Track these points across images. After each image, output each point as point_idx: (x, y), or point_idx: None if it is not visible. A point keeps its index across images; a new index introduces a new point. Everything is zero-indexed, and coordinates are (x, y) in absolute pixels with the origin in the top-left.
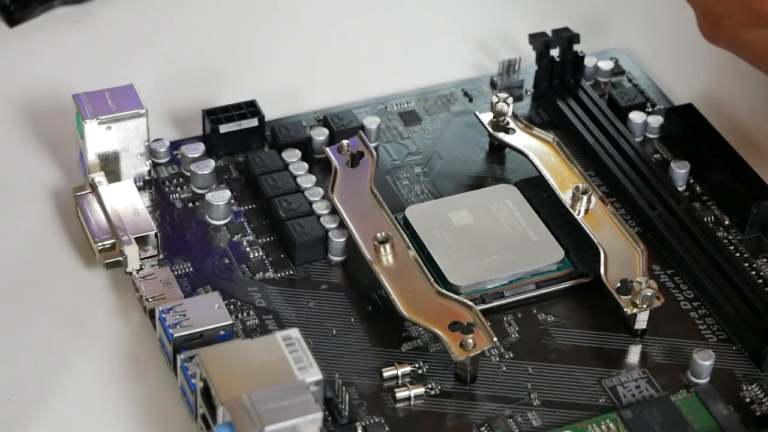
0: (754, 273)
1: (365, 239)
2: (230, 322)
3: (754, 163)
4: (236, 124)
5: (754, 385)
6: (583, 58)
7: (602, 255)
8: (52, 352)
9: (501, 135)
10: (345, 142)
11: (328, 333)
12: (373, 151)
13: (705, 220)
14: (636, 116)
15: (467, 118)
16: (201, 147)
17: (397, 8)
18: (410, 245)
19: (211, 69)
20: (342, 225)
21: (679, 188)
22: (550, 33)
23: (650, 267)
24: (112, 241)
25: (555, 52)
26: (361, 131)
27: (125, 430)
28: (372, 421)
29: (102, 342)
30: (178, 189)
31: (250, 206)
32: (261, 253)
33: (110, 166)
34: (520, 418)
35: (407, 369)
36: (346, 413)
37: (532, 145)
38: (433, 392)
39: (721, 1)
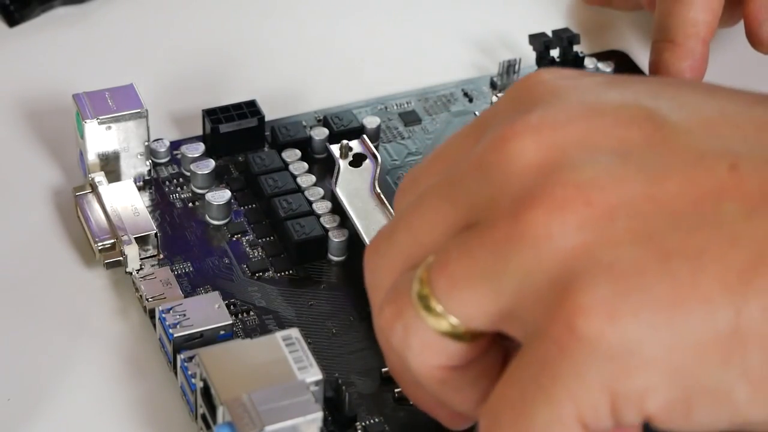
0: None
1: (368, 232)
2: (230, 322)
3: None
4: (236, 124)
5: None
6: (583, 58)
7: None
8: (51, 352)
9: None
10: (345, 142)
11: (328, 333)
12: (378, 156)
13: None
14: None
15: (467, 119)
16: (201, 147)
17: (397, 8)
18: None
19: (211, 69)
20: (342, 225)
21: None
22: (550, 33)
23: None
24: (112, 241)
25: (555, 53)
26: (364, 135)
27: (125, 430)
28: (372, 421)
29: (102, 342)
30: (178, 189)
31: (250, 206)
32: (261, 253)
33: (110, 166)
34: None
35: None
36: (346, 413)
37: None
38: None
39: None
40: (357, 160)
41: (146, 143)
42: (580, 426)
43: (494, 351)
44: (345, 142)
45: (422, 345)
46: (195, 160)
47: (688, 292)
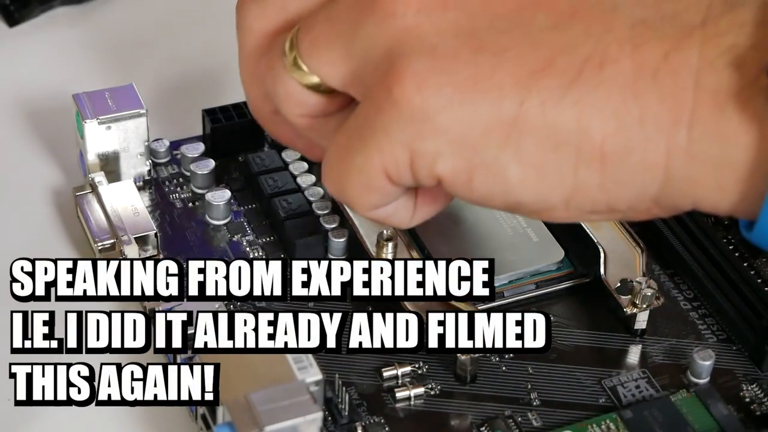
0: (754, 273)
1: (367, 233)
2: None
3: None
4: (236, 124)
5: (754, 385)
6: None
7: (602, 255)
8: None
9: None
10: None
11: None
12: None
13: (705, 220)
14: None
15: None
16: (201, 147)
17: None
18: (413, 246)
19: (211, 69)
20: (342, 225)
21: None
22: None
23: (650, 267)
24: (112, 241)
25: None
26: None
27: (125, 430)
28: (372, 421)
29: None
30: (178, 189)
31: (250, 206)
32: (261, 253)
33: (110, 166)
34: (520, 418)
35: (407, 369)
36: (346, 413)
37: None
38: (433, 392)
39: None
40: None
41: (146, 143)
42: (384, 175)
43: (349, 111)
44: None
45: (287, 94)
46: (195, 160)
47: (485, 80)
